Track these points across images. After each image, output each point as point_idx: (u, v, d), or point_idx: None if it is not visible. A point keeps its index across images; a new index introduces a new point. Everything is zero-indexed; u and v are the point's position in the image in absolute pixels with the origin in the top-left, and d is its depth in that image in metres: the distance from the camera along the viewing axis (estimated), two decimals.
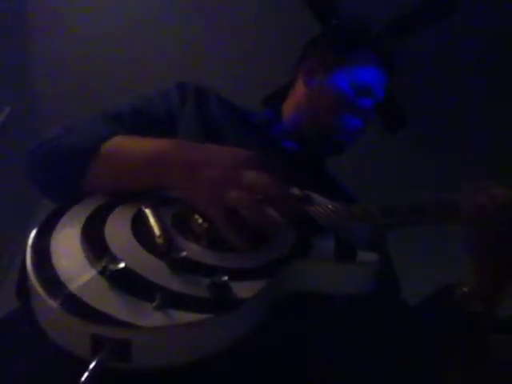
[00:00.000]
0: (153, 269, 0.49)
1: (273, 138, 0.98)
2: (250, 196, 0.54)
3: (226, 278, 0.47)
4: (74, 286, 0.44)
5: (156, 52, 2.53)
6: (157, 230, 0.54)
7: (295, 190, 0.70)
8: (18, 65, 2.45)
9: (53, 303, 0.43)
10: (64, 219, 0.55)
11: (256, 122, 0.99)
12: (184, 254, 0.50)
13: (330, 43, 1.07)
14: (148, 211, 0.57)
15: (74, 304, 0.43)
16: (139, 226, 0.56)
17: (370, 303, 0.63)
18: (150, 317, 0.42)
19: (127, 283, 0.45)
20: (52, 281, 0.45)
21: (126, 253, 0.50)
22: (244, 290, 0.48)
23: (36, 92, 2.63)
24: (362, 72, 0.99)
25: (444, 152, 2.65)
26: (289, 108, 1.05)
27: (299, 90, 1.04)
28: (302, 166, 0.94)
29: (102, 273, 0.46)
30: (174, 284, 0.47)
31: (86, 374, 0.39)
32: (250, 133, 0.93)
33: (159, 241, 0.52)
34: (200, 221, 0.57)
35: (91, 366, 0.40)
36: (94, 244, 0.51)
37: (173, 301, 0.44)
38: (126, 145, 0.64)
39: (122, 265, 0.46)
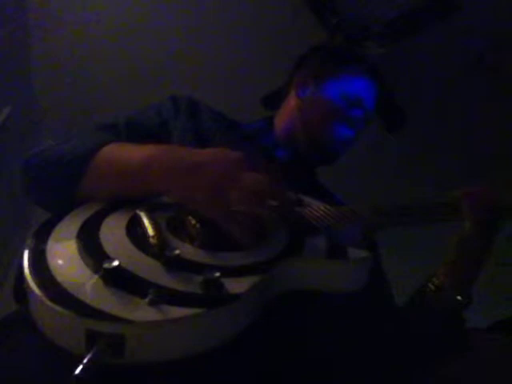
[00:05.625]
0: (147, 267, 0.49)
1: (265, 147, 1.00)
2: (249, 195, 0.55)
3: (218, 274, 0.47)
4: (68, 285, 0.45)
5: (156, 52, 2.54)
6: (150, 231, 0.54)
7: (289, 193, 0.71)
8: (18, 65, 2.46)
9: (48, 301, 0.44)
10: (61, 223, 0.56)
11: (248, 132, 1.00)
12: (177, 252, 0.50)
13: (322, 57, 1.10)
14: (142, 214, 0.58)
15: (69, 301, 0.43)
16: (134, 228, 0.57)
17: (362, 302, 0.63)
18: (144, 312, 0.43)
19: (121, 281, 0.46)
20: (47, 280, 0.46)
21: (120, 253, 0.51)
22: (237, 285, 0.48)
23: (36, 92, 2.63)
24: (352, 84, 1.02)
25: (444, 152, 2.65)
26: (281, 118, 1.07)
27: (292, 102, 1.06)
28: (293, 175, 0.96)
29: (96, 271, 0.47)
30: (168, 281, 0.47)
31: (79, 367, 0.40)
32: (241, 143, 0.95)
33: (153, 241, 0.53)
34: (193, 222, 0.58)
35: (85, 359, 0.40)
36: (89, 245, 0.52)
37: (166, 297, 0.45)
38: (118, 152, 0.65)
39: (115, 263, 0.46)
